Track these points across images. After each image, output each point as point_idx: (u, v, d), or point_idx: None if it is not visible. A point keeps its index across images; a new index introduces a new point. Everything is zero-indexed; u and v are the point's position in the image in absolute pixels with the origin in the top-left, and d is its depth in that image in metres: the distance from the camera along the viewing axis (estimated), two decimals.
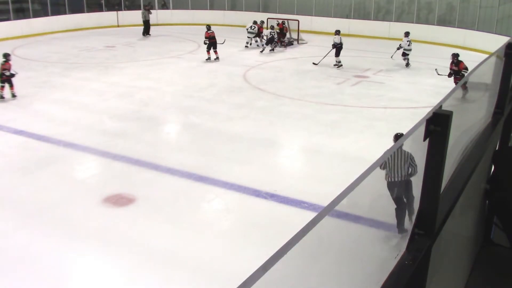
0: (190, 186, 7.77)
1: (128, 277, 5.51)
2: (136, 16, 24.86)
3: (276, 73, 15.96)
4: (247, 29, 20.05)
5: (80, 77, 14.75)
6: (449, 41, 21.24)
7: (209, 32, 17.09)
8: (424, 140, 1.62)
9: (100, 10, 25.73)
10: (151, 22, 23.38)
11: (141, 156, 8.82)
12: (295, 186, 7.71)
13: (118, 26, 25.53)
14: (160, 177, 8.07)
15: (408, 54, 16.82)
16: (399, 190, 4.37)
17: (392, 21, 23.33)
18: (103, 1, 25.85)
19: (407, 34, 17.07)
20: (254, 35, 19.92)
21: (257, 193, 7.44)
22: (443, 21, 22.19)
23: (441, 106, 1.66)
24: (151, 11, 23.83)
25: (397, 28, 22.77)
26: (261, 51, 19.25)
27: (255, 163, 8.66)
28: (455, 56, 12.89)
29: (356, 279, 1.46)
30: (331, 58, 16.64)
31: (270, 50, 19.30)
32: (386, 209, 1.63)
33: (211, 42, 17.11)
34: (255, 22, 20.19)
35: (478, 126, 2.80)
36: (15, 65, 16.31)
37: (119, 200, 7.18)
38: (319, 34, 22.77)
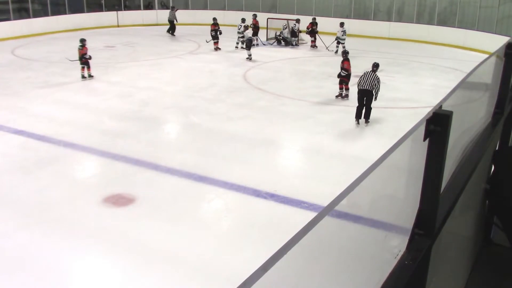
0: (190, 186, 7.76)
1: (128, 277, 5.51)
2: (136, 16, 24.82)
3: (276, 73, 15.95)
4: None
5: (80, 77, 14.74)
6: (449, 41, 21.25)
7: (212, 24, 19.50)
8: (424, 140, 1.62)
9: (100, 10, 25.73)
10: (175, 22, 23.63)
11: (141, 156, 8.82)
12: (295, 186, 7.71)
13: (118, 26, 25.54)
14: (160, 177, 8.06)
15: (341, 43, 18.55)
16: (362, 94, 10.49)
17: (392, 21, 23.33)
18: (103, 1, 25.85)
19: (342, 24, 18.64)
20: (242, 35, 19.35)
21: (257, 193, 7.44)
22: (443, 21, 22.19)
23: (441, 106, 1.66)
24: (175, 13, 23.96)
25: (397, 28, 22.80)
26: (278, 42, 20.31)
27: (255, 163, 8.65)
28: (344, 53, 12.87)
29: (356, 279, 1.46)
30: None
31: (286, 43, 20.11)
32: (386, 209, 1.62)
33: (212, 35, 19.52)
34: (243, 20, 19.42)
35: (478, 126, 2.80)
36: (14, 65, 16.40)
37: (119, 200, 7.18)
38: (319, 34, 22.71)
